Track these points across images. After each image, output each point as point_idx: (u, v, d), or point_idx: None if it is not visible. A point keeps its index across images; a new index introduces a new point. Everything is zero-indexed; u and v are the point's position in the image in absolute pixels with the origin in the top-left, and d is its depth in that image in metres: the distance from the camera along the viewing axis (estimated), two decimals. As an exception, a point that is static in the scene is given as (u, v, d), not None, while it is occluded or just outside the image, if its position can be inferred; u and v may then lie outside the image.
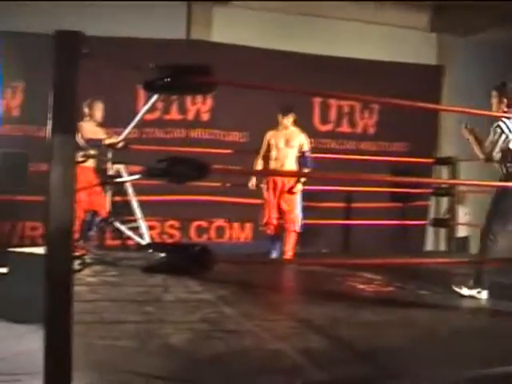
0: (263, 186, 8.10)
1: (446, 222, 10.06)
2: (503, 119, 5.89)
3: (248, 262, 6.52)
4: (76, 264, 6.52)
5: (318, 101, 11.17)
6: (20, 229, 9.85)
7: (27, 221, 9.71)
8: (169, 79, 3.19)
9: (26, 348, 5.69)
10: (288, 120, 8.15)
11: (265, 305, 5.28)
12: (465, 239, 11.48)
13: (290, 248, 7.86)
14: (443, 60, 12.65)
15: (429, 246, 11.88)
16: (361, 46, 11.44)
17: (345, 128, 11.48)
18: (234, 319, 4.59)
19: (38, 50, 8.56)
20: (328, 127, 11.36)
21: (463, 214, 11.31)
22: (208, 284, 5.81)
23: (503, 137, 5.86)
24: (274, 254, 7.97)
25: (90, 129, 7.82)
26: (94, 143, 7.69)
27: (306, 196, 8.87)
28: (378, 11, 11.71)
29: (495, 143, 5.84)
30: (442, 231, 10.90)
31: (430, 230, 11.72)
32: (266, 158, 8.17)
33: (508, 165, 5.90)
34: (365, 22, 11.74)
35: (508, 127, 5.85)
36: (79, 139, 7.50)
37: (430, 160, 10.58)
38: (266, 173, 8.11)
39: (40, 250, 6.84)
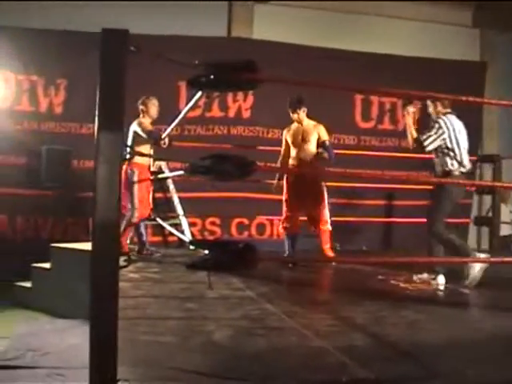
0: (283, 183, 7.81)
1: (489, 221, 9.94)
2: (447, 116, 6.17)
3: (291, 260, 6.52)
4: (121, 260, 6.60)
5: (359, 98, 11.12)
6: (63, 224, 9.96)
7: (69, 217, 9.82)
8: (213, 76, 3.19)
9: (69, 343, 5.77)
10: (298, 114, 7.69)
11: (306, 302, 5.27)
12: (508, 237, 11.33)
13: (328, 246, 7.68)
14: (486, 56, 12.51)
15: (471, 244, 11.75)
16: (402, 43, 11.37)
17: (386, 125, 11.40)
18: (276, 316, 4.59)
19: (80, 47, 8.71)
20: (370, 124, 11.30)
21: (508, 212, 11.17)
22: (250, 281, 5.82)
23: (440, 132, 6.09)
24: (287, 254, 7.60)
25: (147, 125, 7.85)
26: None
27: (347, 193, 8.85)
28: (419, 8, 11.61)
29: (431, 136, 6.14)
30: (485, 229, 10.77)
31: (473, 229, 11.58)
32: (286, 157, 7.87)
33: (448, 162, 6.12)
34: (407, 19, 11.67)
35: (447, 124, 6.03)
36: (143, 134, 7.57)
37: (473, 158, 10.45)
38: (305, 171, 7.98)
39: (82, 246, 6.93)
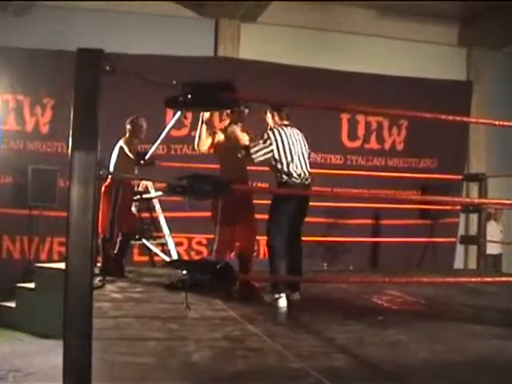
0: None
1: (475, 240, 9.94)
2: (281, 127, 6.19)
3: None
4: (97, 280, 6.55)
5: (345, 117, 11.17)
6: (49, 244, 9.93)
7: (56, 236, 9.78)
8: (189, 95, 3.19)
9: (53, 363, 5.70)
10: None
11: (289, 323, 5.25)
12: (497, 257, 11.34)
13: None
14: (472, 75, 12.58)
15: (458, 263, 11.75)
16: (389, 62, 11.43)
17: (373, 144, 11.45)
18: (257, 337, 4.55)
19: (67, 67, 8.68)
20: (356, 144, 11.34)
21: (498, 232, 11.19)
22: (232, 301, 5.78)
23: (268, 143, 6.06)
24: None
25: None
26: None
27: (334, 213, 8.85)
28: (405, 27, 11.68)
29: (258, 146, 6.10)
30: (473, 249, 10.78)
31: (460, 248, 11.59)
32: None
33: (277, 174, 6.13)
34: (393, 38, 11.72)
35: (275, 136, 6.11)
36: (129, 153, 7.55)
37: (459, 176, 10.49)
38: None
39: (67, 266, 6.87)
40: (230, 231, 6.57)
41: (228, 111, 6.90)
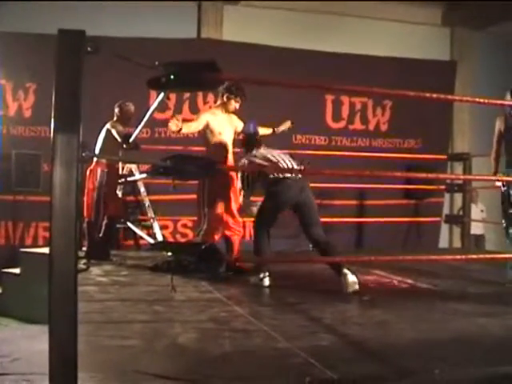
0: None
1: (460, 219, 9.99)
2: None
3: (258, 260, 6.49)
4: (81, 264, 6.54)
5: (330, 98, 11.16)
6: (34, 229, 9.90)
7: (41, 221, 9.75)
8: (172, 76, 3.16)
9: (39, 348, 5.67)
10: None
11: (275, 304, 5.25)
12: (480, 236, 11.41)
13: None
14: (456, 55, 12.59)
15: (443, 243, 11.81)
16: (373, 42, 11.42)
17: (357, 125, 11.45)
18: (244, 318, 4.56)
19: (49, 51, 8.62)
20: (340, 124, 11.34)
21: (479, 211, 11.25)
22: (219, 283, 5.78)
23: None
24: None
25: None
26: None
27: (319, 194, 8.82)
28: (390, 8, 11.65)
29: None
30: (457, 228, 10.84)
31: (444, 227, 11.64)
32: None
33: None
34: (377, 19, 11.71)
35: None
36: (116, 135, 7.55)
37: (443, 156, 10.51)
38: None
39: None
40: (217, 213, 6.54)
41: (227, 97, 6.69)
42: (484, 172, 7.60)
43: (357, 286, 5.55)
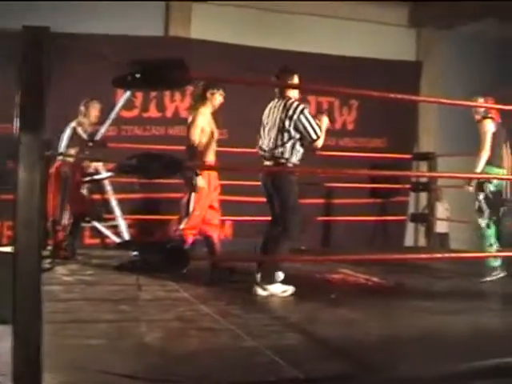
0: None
1: (425, 218, 10.09)
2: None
3: (224, 259, 6.50)
4: (46, 263, 6.48)
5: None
6: (-1, 228, 9.78)
7: (5, 220, 9.63)
8: (138, 75, 3.14)
9: (3, 349, 5.62)
10: None
11: (241, 303, 5.23)
12: (444, 235, 11.52)
13: None
14: (422, 55, 12.68)
15: (408, 241, 11.89)
16: (339, 42, 11.44)
17: (325, 124, 11.48)
18: (210, 317, 4.56)
19: (9, 47, 8.52)
20: (308, 123, 11.35)
21: (443, 210, 11.36)
22: (185, 282, 5.77)
23: None
24: None
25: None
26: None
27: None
28: (356, 7, 11.70)
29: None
30: (423, 227, 10.93)
31: (410, 226, 11.73)
32: None
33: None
34: (343, 18, 11.73)
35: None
36: (82, 133, 7.50)
37: (408, 156, 10.59)
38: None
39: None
40: (202, 214, 6.48)
41: (212, 91, 6.59)
42: (448, 171, 7.67)
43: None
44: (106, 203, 9.11)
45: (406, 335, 4.23)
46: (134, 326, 4.23)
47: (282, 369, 3.32)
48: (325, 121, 5.97)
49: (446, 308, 5.16)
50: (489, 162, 6.63)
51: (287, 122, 5.68)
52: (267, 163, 5.85)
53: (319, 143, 5.86)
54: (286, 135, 5.69)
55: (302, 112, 5.69)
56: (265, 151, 5.84)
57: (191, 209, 6.46)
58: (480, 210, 6.68)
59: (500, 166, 6.67)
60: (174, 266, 3.32)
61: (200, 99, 6.68)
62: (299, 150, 5.78)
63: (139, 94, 9.81)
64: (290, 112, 5.69)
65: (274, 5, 11.23)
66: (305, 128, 5.68)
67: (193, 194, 6.42)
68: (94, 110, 7.78)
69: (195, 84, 6.79)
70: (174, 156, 3.29)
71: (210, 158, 6.58)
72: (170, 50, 9.18)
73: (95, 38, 9.42)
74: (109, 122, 7.50)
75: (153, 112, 10.26)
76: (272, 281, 5.55)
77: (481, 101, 6.58)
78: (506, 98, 6.08)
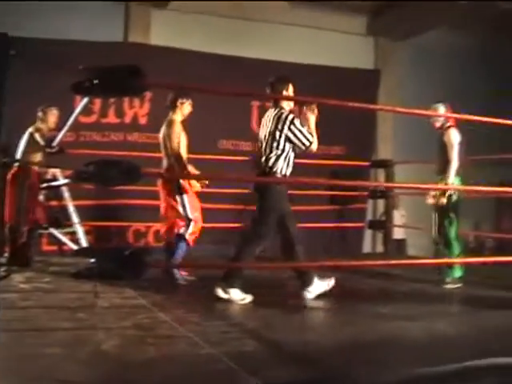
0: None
1: (382, 224, 10.18)
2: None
3: (182, 265, 6.49)
4: (2, 270, 6.41)
5: (256, 104, 11.20)
6: None
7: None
8: (96, 81, 3.14)
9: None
10: None
11: (200, 310, 5.23)
12: (401, 241, 11.64)
13: None
14: (380, 64, 12.82)
15: (366, 247, 12.00)
16: (300, 50, 11.53)
17: (284, 131, 11.53)
18: (168, 325, 4.54)
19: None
20: (267, 131, 11.40)
21: (399, 217, 11.48)
22: (143, 289, 5.75)
23: None
24: None
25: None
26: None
27: (245, 199, 8.88)
28: (314, 15, 11.79)
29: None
30: (380, 234, 11.02)
31: (368, 233, 11.83)
32: None
33: None
34: (304, 26, 11.82)
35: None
36: (40, 139, 7.45)
37: (366, 163, 10.69)
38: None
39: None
40: (199, 215, 6.73)
41: (182, 100, 6.80)
42: (405, 178, 7.75)
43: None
44: (63, 210, 9.03)
45: (364, 340, 4.26)
46: (92, 334, 4.19)
47: (240, 376, 3.32)
48: (311, 118, 5.99)
49: (403, 313, 5.21)
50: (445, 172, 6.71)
51: (277, 134, 5.75)
52: (257, 171, 5.94)
53: (314, 147, 5.93)
54: (274, 147, 5.76)
55: (292, 123, 5.75)
56: (259, 161, 5.91)
57: (189, 213, 6.62)
58: (449, 221, 6.74)
59: (460, 175, 6.75)
60: (131, 272, 3.31)
61: (170, 108, 6.85)
62: (290, 159, 5.86)
63: (98, 100, 9.77)
64: (280, 124, 5.76)
65: (235, 12, 11.28)
66: (297, 138, 5.78)
67: (185, 199, 6.60)
68: (53, 116, 7.74)
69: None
70: (133, 162, 3.28)
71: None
72: (129, 56, 9.16)
73: (54, 42, 9.35)
74: (66, 127, 7.44)
75: (111, 118, 10.23)
76: (232, 285, 5.59)
77: (441, 108, 6.68)
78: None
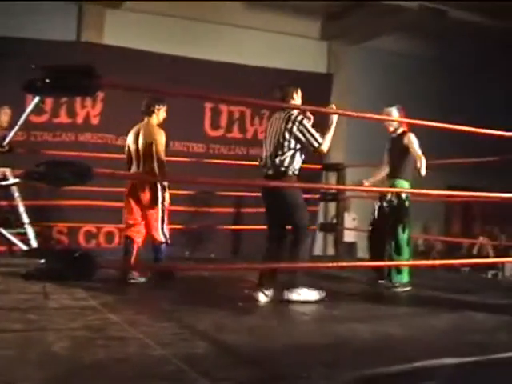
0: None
1: (333, 227, 10.26)
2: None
3: (133, 267, 6.47)
4: None
5: (208, 106, 11.23)
6: None
7: None
8: (48, 80, 3.12)
9: None
10: None
11: (150, 311, 5.22)
12: (352, 244, 11.75)
13: None
14: (334, 68, 12.93)
15: (317, 250, 12.08)
16: (255, 53, 11.58)
17: (235, 134, 11.56)
18: (118, 326, 4.52)
19: None
20: (219, 133, 11.42)
21: (350, 220, 11.58)
22: (93, 290, 5.72)
23: None
24: None
25: None
26: None
27: (196, 201, 8.90)
28: (268, 19, 11.84)
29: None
30: (331, 236, 11.11)
31: (319, 235, 11.90)
32: None
33: None
34: (258, 29, 11.87)
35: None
36: None
37: (318, 166, 10.75)
38: (161, 179, 7.71)
39: None
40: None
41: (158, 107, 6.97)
42: (356, 182, 7.81)
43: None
44: (13, 210, 8.92)
45: (315, 342, 4.30)
46: (42, 336, 4.15)
47: (190, 377, 3.33)
48: (334, 119, 6.17)
49: (354, 316, 5.28)
50: (399, 176, 6.79)
51: (287, 134, 5.88)
52: (269, 173, 6.01)
53: (324, 148, 6.04)
54: (285, 146, 5.89)
55: (300, 123, 5.88)
56: (265, 162, 6.03)
57: (165, 222, 6.87)
58: (403, 226, 6.81)
59: (408, 180, 6.83)
60: (81, 273, 3.29)
61: (146, 114, 7.01)
62: (299, 159, 6.00)
63: (49, 100, 9.68)
64: (290, 124, 5.88)
65: (190, 13, 11.27)
66: (306, 138, 5.89)
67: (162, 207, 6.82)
68: (4, 116, 7.69)
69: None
70: (84, 163, 3.27)
71: None
72: (82, 55, 9.11)
73: (6, 41, 9.25)
74: (17, 127, 7.37)
75: (63, 118, 10.14)
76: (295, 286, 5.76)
77: (394, 111, 6.77)
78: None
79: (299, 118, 5.91)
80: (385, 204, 6.81)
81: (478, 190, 6.82)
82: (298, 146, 5.93)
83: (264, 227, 9.95)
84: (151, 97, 6.98)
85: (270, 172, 5.98)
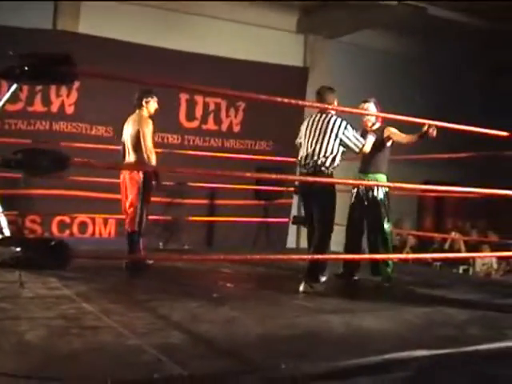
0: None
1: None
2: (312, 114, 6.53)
3: (107, 257, 6.46)
4: None
5: (184, 97, 11.20)
6: None
7: None
8: (26, 68, 3.10)
9: None
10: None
11: (125, 301, 5.22)
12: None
13: None
14: (310, 61, 12.94)
15: (290, 243, 12.11)
16: (229, 44, 11.53)
17: (210, 125, 11.56)
18: (93, 315, 4.53)
19: None
20: (194, 124, 11.40)
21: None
22: (68, 280, 5.71)
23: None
24: None
25: None
26: None
27: (170, 192, 8.89)
28: (245, 11, 11.81)
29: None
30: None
31: (292, 228, 11.93)
32: None
33: None
34: (235, 21, 11.83)
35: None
36: None
37: (292, 159, 10.77)
38: (132, 167, 7.67)
39: None
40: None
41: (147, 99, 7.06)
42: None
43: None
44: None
45: (287, 334, 4.33)
46: (15, 325, 4.14)
47: (166, 366, 3.35)
48: (370, 139, 6.45)
49: (328, 308, 5.32)
50: (379, 170, 6.82)
51: (333, 138, 6.16)
52: (309, 172, 6.24)
53: (367, 150, 6.42)
54: (329, 148, 6.16)
55: (345, 128, 6.20)
56: (306, 161, 6.26)
57: (144, 212, 6.88)
58: (387, 218, 6.85)
59: (386, 174, 6.86)
60: (56, 262, 3.29)
61: (137, 106, 7.10)
62: (338, 161, 6.27)
63: (24, 87, 9.60)
64: (335, 129, 6.18)
65: (170, 5, 11.21)
66: (351, 141, 6.22)
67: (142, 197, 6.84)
68: None
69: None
70: (61, 152, 3.26)
71: None
72: (57, 43, 9.04)
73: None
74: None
75: (38, 106, 10.06)
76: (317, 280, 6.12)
77: (371, 106, 6.79)
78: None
79: (344, 123, 6.20)
80: (365, 197, 6.83)
81: (451, 185, 6.88)
82: (342, 149, 6.22)
83: (239, 219, 10.05)
84: (141, 89, 7.07)
85: (311, 171, 6.21)
